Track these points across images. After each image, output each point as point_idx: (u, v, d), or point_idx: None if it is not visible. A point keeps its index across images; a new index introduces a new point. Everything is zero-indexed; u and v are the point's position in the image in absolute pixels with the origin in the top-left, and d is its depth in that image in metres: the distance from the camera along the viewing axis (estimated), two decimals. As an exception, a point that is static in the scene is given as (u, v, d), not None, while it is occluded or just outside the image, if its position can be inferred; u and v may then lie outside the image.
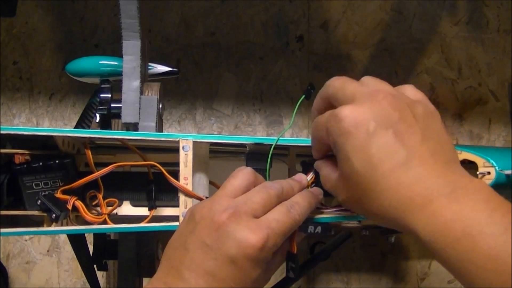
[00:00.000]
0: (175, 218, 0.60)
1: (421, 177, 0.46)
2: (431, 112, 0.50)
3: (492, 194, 0.44)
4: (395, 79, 1.26)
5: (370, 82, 0.51)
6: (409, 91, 0.52)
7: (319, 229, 0.56)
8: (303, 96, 0.60)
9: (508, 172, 0.57)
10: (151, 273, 0.79)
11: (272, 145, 0.59)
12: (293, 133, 1.25)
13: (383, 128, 0.47)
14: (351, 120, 0.47)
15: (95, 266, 0.80)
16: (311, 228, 0.55)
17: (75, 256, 0.78)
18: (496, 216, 0.42)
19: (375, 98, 0.48)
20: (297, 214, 0.52)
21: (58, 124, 1.24)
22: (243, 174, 0.53)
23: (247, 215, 0.49)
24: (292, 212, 0.52)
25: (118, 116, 0.70)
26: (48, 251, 1.24)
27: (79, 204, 0.60)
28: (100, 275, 0.89)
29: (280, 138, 0.59)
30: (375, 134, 0.46)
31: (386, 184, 0.46)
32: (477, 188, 0.45)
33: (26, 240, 1.23)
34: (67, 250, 1.23)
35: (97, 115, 0.71)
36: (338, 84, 0.51)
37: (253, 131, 1.25)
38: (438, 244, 0.44)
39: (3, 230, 0.58)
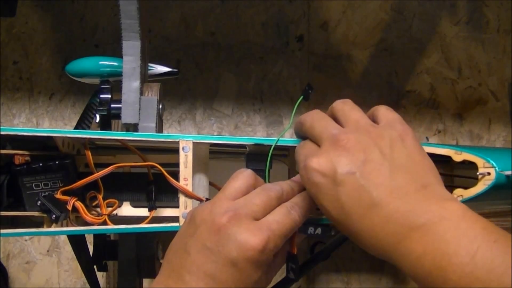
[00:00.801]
0: (175, 219, 0.60)
1: (392, 215, 0.46)
2: (402, 135, 0.50)
3: (464, 218, 0.45)
4: (395, 79, 1.26)
5: (340, 113, 0.53)
6: (382, 112, 0.53)
7: (319, 230, 0.56)
8: (301, 97, 0.60)
9: (508, 172, 0.57)
10: (151, 273, 0.79)
11: (271, 146, 0.59)
12: (293, 133, 1.24)
13: (349, 174, 0.48)
14: (318, 174, 0.49)
15: (95, 266, 0.80)
16: (311, 230, 0.55)
17: (75, 256, 0.78)
18: (464, 243, 0.43)
19: (339, 144, 0.49)
20: (297, 215, 0.52)
21: (58, 124, 1.24)
22: (243, 176, 0.53)
23: (248, 217, 0.49)
24: (292, 213, 0.52)
25: (118, 116, 0.70)
26: (48, 251, 1.24)
27: (79, 205, 0.60)
28: (100, 276, 0.89)
29: (280, 139, 0.59)
30: (341, 182, 0.48)
31: (361, 228, 0.47)
32: (448, 215, 0.45)
33: (26, 240, 1.23)
34: (67, 250, 1.23)
35: (97, 116, 0.71)
36: (308, 122, 0.54)
37: (253, 131, 1.25)
38: (417, 278, 0.45)
39: (3, 231, 0.58)
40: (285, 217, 0.51)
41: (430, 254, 0.44)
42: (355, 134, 0.49)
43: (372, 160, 0.48)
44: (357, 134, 0.50)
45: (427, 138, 1.26)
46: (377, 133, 0.50)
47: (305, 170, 0.50)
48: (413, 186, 0.47)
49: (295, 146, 0.61)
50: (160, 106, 0.73)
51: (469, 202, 0.58)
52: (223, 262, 0.47)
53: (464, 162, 0.58)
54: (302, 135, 0.55)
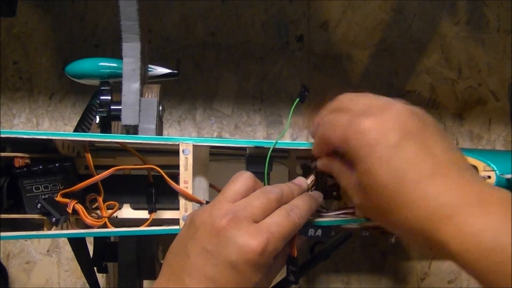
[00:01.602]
0: (175, 221, 0.60)
1: (448, 187, 0.44)
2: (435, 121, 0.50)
3: None
4: (395, 79, 1.26)
5: (378, 96, 0.51)
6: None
7: (319, 232, 0.56)
8: (297, 99, 0.60)
9: (508, 176, 0.57)
10: (151, 275, 0.79)
11: (270, 148, 0.59)
12: (293, 134, 1.25)
13: (406, 139, 0.46)
14: (374, 133, 0.46)
15: (95, 268, 0.80)
16: (311, 232, 0.56)
17: (75, 257, 0.78)
18: None
19: (392, 109, 0.48)
20: (297, 217, 0.52)
21: (58, 124, 1.24)
22: (242, 178, 0.53)
23: (247, 219, 0.49)
24: (292, 215, 0.51)
25: (118, 118, 0.70)
26: (48, 251, 1.24)
27: (79, 207, 0.60)
28: (100, 277, 0.89)
29: (279, 141, 0.59)
30: (399, 145, 0.46)
31: (412, 196, 0.45)
32: (503, 198, 0.44)
33: (26, 240, 1.23)
34: (67, 250, 1.23)
35: (97, 117, 0.71)
36: (350, 96, 0.51)
37: (253, 131, 1.25)
38: (469, 255, 0.42)
39: (3, 234, 0.58)
40: (284, 219, 0.51)
41: (490, 230, 0.41)
42: (406, 105, 0.48)
43: (427, 131, 0.47)
44: (409, 106, 0.48)
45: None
46: (421, 116, 0.49)
47: (357, 129, 0.47)
48: (463, 166, 0.47)
49: (295, 149, 0.62)
50: (160, 108, 0.73)
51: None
52: (223, 264, 0.47)
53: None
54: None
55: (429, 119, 0.49)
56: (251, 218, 0.49)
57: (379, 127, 0.46)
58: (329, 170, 0.55)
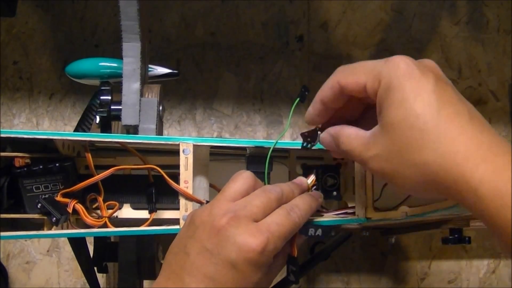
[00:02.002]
0: (176, 221, 0.60)
1: (485, 129, 0.43)
2: None
3: None
4: (395, 79, 1.26)
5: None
6: None
7: (319, 231, 0.56)
8: (298, 99, 0.60)
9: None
10: (151, 275, 0.79)
11: (270, 148, 0.59)
12: (293, 134, 1.25)
13: (443, 81, 0.45)
14: (413, 65, 0.45)
15: (95, 268, 0.80)
16: (311, 231, 0.56)
17: (75, 256, 0.78)
18: None
19: (426, 61, 0.47)
20: (297, 217, 0.52)
21: (58, 124, 1.24)
22: (242, 178, 0.53)
23: (247, 218, 0.49)
24: (292, 215, 0.51)
25: (118, 118, 0.70)
26: (48, 251, 1.24)
27: (79, 207, 0.60)
28: (100, 277, 0.89)
29: (279, 141, 0.59)
30: (437, 82, 0.44)
31: (447, 128, 0.42)
32: None
33: (26, 240, 1.23)
34: (67, 250, 1.23)
35: (97, 117, 0.71)
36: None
37: (253, 131, 1.25)
38: (503, 201, 0.39)
39: (4, 233, 0.58)
40: (284, 218, 0.51)
41: None
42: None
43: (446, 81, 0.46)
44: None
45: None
46: None
47: (398, 59, 0.46)
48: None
49: (295, 148, 0.62)
50: (160, 108, 0.73)
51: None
52: (223, 263, 0.48)
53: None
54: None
55: None
56: (251, 217, 0.49)
57: (416, 63, 0.45)
58: (337, 140, 0.51)
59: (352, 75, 0.48)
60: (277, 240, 0.49)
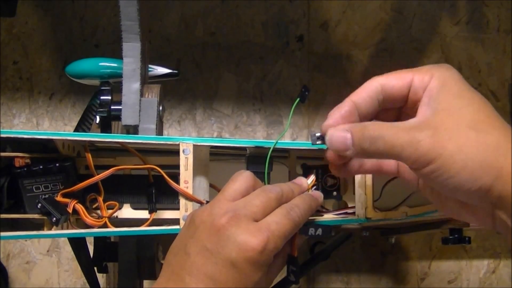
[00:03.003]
0: (176, 221, 0.60)
1: None
2: None
3: None
4: (395, 79, 1.26)
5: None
6: None
7: (319, 231, 0.56)
8: (298, 99, 0.60)
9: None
10: (151, 275, 0.79)
11: (270, 148, 0.59)
12: (293, 134, 1.25)
13: (464, 83, 0.46)
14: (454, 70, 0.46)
15: (95, 268, 0.80)
16: (311, 231, 0.56)
17: (75, 256, 0.78)
18: None
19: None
20: (296, 216, 0.52)
21: (58, 124, 1.24)
22: (242, 177, 0.53)
23: (247, 218, 0.49)
24: (292, 214, 0.51)
25: (118, 118, 0.70)
26: (48, 251, 1.24)
27: (79, 207, 0.60)
28: (100, 277, 0.89)
29: (279, 141, 0.59)
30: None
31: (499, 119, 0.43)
32: None
33: (26, 240, 1.23)
34: (67, 250, 1.23)
35: (97, 117, 0.71)
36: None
37: (253, 131, 1.25)
38: None
39: (4, 234, 0.58)
40: (284, 218, 0.51)
41: None
42: None
43: None
44: None
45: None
46: None
47: (440, 66, 0.47)
48: None
49: (295, 148, 0.62)
50: (160, 108, 0.73)
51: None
52: (223, 263, 0.48)
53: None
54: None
55: None
56: (251, 217, 0.49)
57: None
58: (359, 134, 0.46)
59: (394, 75, 0.47)
60: (277, 240, 0.49)
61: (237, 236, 0.48)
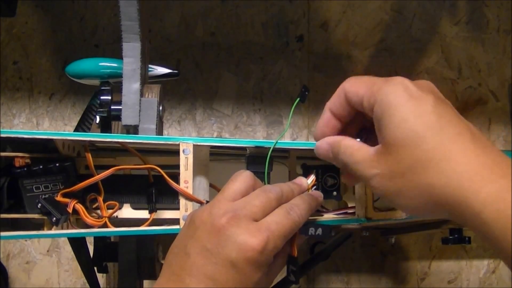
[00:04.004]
0: (176, 221, 0.60)
1: (488, 149, 0.43)
2: None
3: None
4: (395, 79, 1.26)
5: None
6: None
7: (319, 231, 0.56)
8: (298, 99, 0.60)
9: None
10: (151, 275, 0.79)
11: (270, 148, 0.59)
12: (293, 134, 1.25)
13: (442, 101, 0.45)
14: (414, 86, 0.45)
15: (95, 268, 0.80)
16: (311, 230, 0.56)
17: (75, 256, 0.78)
18: None
19: (422, 81, 0.47)
20: (296, 216, 0.52)
21: (58, 124, 1.24)
22: (242, 177, 0.53)
23: (247, 218, 0.49)
24: (292, 214, 0.52)
25: (118, 118, 0.70)
26: (48, 251, 1.24)
27: (79, 207, 0.60)
28: (100, 277, 0.89)
29: (279, 141, 0.59)
30: (437, 103, 0.44)
31: (451, 149, 0.43)
32: None
33: (26, 240, 1.23)
34: (67, 250, 1.23)
35: (97, 117, 0.71)
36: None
37: (253, 131, 1.25)
38: (503, 224, 0.39)
39: (4, 233, 0.58)
40: (284, 218, 0.51)
41: None
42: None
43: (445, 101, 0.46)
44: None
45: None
46: None
47: (399, 79, 0.46)
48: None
49: (295, 148, 0.62)
50: (160, 108, 0.73)
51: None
52: (223, 263, 0.48)
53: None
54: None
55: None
56: (251, 217, 0.49)
57: (415, 84, 0.45)
58: (336, 149, 0.51)
59: (356, 85, 0.49)
60: (277, 240, 0.49)
61: (237, 236, 0.48)
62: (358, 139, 0.52)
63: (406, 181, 0.44)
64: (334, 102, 0.51)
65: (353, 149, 0.49)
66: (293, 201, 0.54)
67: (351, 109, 0.51)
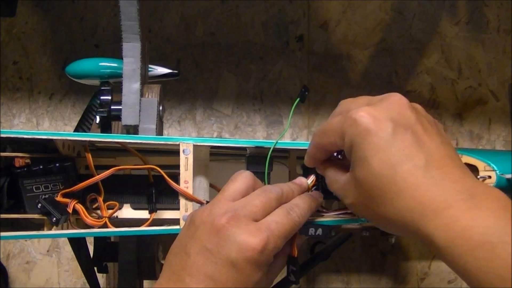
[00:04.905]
0: (176, 221, 0.60)
1: (440, 180, 0.45)
2: (436, 121, 0.50)
3: (509, 203, 0.43)
4: (395, 79, 1.26)
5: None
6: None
7: (320, 231, 0.56)
8: (298, 99, 0.60)
9: (508, 176, 0.57)
10: (151, 275, 0.79)
11: (270, 148, 0.59)
12: (293, 134, 1.25)
13: (402, 128, 0.46)
14: (370, 119, 0.46)
15: (95, 268, 0.80)
16: (311, 231, 0.56)
17: (75, 257, 0.78)
18: None
19: (390, 100, 0.48)
20: (296, 216, 0.52)
21: (58, 124, 1.24)
22: (242, 177, 0.53)
23: (247, 218, 0.49)
24: (291, 214, 0.52)
25: (118, 118, 0.70)
26: (48, 251, 1.24)
27: (79, 207, 0.60)
28: (101, 277, 0.89)
29: (279, 141, 0.59)
30: (394, 133, 0.46)
31: (403, 185, 0.45)
32: (494, 196, 0.44)
33: (26, 240, 1.23)
34: (67, 250, 1.23)
35: (97, 117, 0.71)
36: (350, 99, 0.52)
37: (253, 131, 1.25)
38: (455, 251, 0.42)
39: (4, 234, 0.58)
40: (284, 217, 0.51)
41: (479, 227, 0.41)
42: (405, 98, 0.49)
43: (423, 124, 0.47)
44: (407, 100, 0.49)
45: (427, 138, 1.26)
46: (418, 110, 0.49)
47: (353, 118, 0.47)
48: (458, 161, 0.47)
49: (295, 148, 0.62)
50: (161, 108, 0.73)
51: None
52: (223, 263, 0.48)
53: (465, 164, 0.58)
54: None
55: (425, 112, 0.50)
56: (251, 217, 0.49)
57: (374, 114, 0.47)
58: (324, 174, 0.56)
59: (325, 138, 0.52)
60: (277, 239, 0.49)
61: (237, 236, 0.48)
62: (339, 156, 0.56)
63: (371, 212, 0.49)
64: (315, 152, 0.55)
65: (331, 180, 0.54)
66: (293, 201, 0.54)
67: (330, 152, 0.54)
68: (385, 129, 0.46)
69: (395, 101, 0.48)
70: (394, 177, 0.45)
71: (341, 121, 0.49)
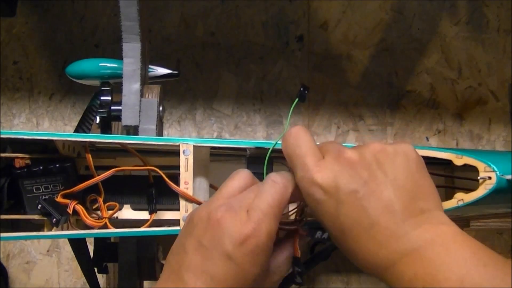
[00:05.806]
0: (176, 222, 0.59)
1: (388, 239, 0.47)
2: (407, 155, 0.50)
3: (455, 243, 0.46)
4: (395, 79, 1.26)
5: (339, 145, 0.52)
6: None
7: (326, 235, 0.56)
8: (297, 99, 0.59)
9: (508, 177, 0.57)
10: (151, 275, 0.79)
11: (269, 149, 0.59)
12: (293, 133, 1.24)
13: (351, 193, 0.47)
14: (320, 190, 0.48)
15: (95, 268, 0.80)
16: (319, 234, 0.56)
17: (75, 257, 0.78)
18: (453, 268, 0.44)
19: (343, 157, 0.49)
20: (282, 182, 0.51)
21: (58, 124, 1.24)
22: (239, 176, 0.53)
23: (241, 209, 0.49)
24: (277, 182, 0.51)
25: (118, 118, 0.70)
26: (48, 251, 1.24)
27: (79, 208, 0.60)
28: (100, 277, 0.89)
29: (278, 142, 0.59)
30: (343, 201, 0.47)
31: (357, 247, 0.48)
32: (439, 240, 0.46)
33: (26, 240, 1.23)
34: (67, 250, 1.23)
35: (98, 118, 0.71)
36: (328, 145, 0.52)
37: (253, 131, 1.25)
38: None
39: (4, 234, 0.58)
40: (270, 187, 0.50)
41: (421, 279, 0.44)
42: (360, 150, 0.49)
43: (375, 179, 0.48)
44: (362, 150, 0.49)
45: (427, 138, 1.26)
46: (382, 151, 0.49)
47: (306, 183, 0.49)
48: (411, 211, 0.47)
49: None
50: (161, 108, 0.73)
51: (470, 205, 0.58)
52: (220, 257, 0.47)
53: (465, 166, 0.58)
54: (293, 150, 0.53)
55: (394, 152, 0.50)
56: (246, 208, 0.49)
57: (326, 182, 0.48)
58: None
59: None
60: (269, 218, 0.48)
61: (231, 228, 0.47)
62: None
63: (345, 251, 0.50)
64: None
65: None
66: (270, 176, 0.53)
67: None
68: (335, 199, 0.48)
69: (348, 158, 0.49)
70: (347, 241, 0.48)
71: (301, 182, 0.50)
